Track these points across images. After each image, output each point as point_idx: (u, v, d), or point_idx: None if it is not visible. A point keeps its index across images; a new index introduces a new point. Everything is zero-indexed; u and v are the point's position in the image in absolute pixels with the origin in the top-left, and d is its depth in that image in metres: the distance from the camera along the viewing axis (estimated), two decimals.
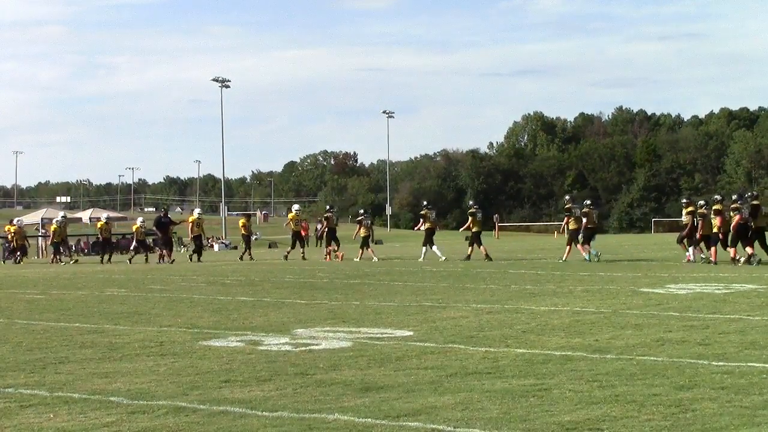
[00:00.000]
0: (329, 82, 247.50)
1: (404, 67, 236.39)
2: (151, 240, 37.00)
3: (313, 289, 16.46)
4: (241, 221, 32.47)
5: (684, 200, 25.69)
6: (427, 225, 27.26)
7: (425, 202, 28.77)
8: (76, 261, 34.03)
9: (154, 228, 32.75)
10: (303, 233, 31.08)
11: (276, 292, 16.12)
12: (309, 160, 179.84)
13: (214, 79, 77.86)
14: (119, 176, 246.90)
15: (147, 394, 6.89)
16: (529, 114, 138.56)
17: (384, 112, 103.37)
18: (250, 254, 30.41)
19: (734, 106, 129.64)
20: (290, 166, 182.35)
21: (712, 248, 22.35)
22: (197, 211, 34.03)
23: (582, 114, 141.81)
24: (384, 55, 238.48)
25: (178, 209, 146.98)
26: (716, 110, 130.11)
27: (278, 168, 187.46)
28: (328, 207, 32.52)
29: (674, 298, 13.37)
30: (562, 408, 6.15)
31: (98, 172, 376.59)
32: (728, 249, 22.04)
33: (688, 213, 23.88)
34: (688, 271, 19.23)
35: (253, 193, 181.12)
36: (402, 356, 8.39)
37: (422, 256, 27.03)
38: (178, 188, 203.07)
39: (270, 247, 55.48)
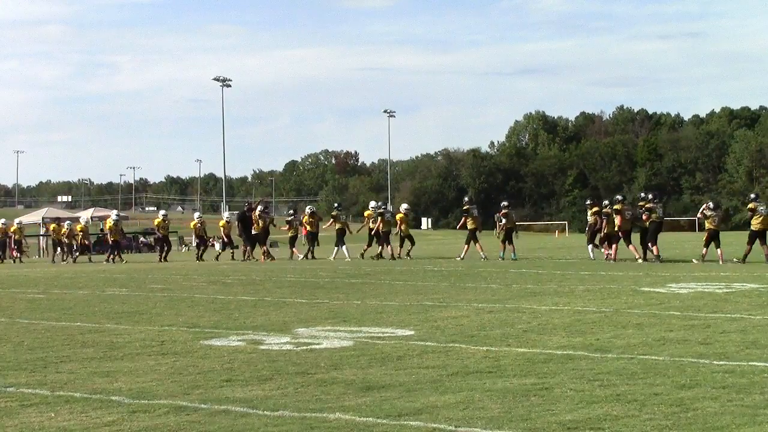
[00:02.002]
0: (330, 81, 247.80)
1: (405, 67, 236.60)
2: (151, 239, 36.82)
3: (314, 289, 16.46)
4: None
5: (588, 201, 26.93)
6: (338, 226, 28.60)
7: (336, 204, 29.98)
8: (124, 260, 32.27)
9: (238, 222, 30.60)
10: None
11: (277, 291, 16.12)
12: (310, 160, 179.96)
13: (215, 79, 77.92)
14: (120, 175, 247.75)
15: (148, 393, 6.89)
16: (530, 113, 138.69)
17: (385, 111, 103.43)
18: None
19: (735, 106, 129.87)
20: (291, 165, 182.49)
21: (614, 246, 23.68)
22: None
23: (583, 113, 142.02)
24: (385, 55, 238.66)
25: (179, 208, 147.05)
26: (717, 109, 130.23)
27: (279, 167, 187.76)
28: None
29: (675, 298, 13.37)
30: (563, 407, 6.15)
31: (99, 172, 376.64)
32: (651, 247, 23.15)
33: (593, 213, 25.28)
34: (689, 271, 19.22)
35: (254, 192, 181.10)
36: (403, 355, 8.39)
37: (333, 255, 28.36)
38: (179, 188, 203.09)
39: (270, 246, 55.41)
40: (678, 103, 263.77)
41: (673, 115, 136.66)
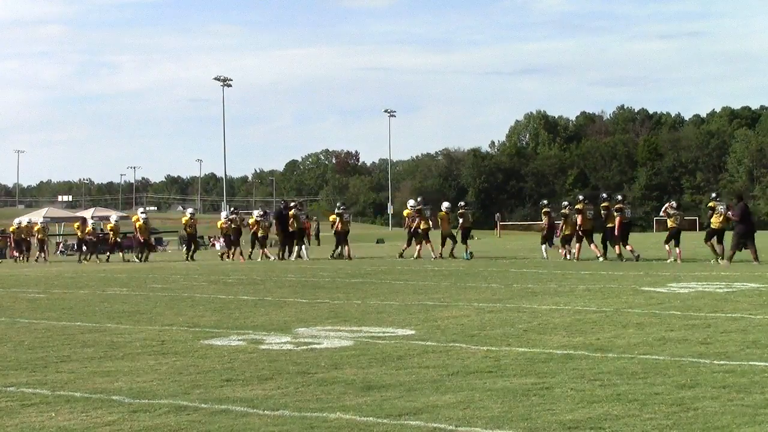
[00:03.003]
0: (331, 81, 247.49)
1: (406, 66, 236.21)
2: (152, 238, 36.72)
3: (314, 288, 16.46)
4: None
5: (543, 201, 27.80)
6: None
7: (291, 204, 30.16)
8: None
9: (275, 220, 29.71)
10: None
11: (277, 291, 16.13)
12: (311, 159, 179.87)
13: (215, 78, 77.98)
14: (121, 175, 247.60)
15: (148, 392, 6.89)
16: (530, 113, 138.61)
17: (385, 110, 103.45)
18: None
19: (736, 105, 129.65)
20: (292, 165, 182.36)
21: (577, 245, 24.30)
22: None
23: (584, 113, 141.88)
24: (386, 54, 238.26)
25: (179, 208, 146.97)
26: (718, 109, 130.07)
27: (280, 167, 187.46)
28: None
29: (676, 297, 13.37)
30: (563, 407, 6.15)
31: (100, 171, 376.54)
32: (615, 246, 23.56)
33: (544, 213, 26.42)
34: (689, 270, 19.22)
35: (255, 192, 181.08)
36: (403, 355, 8.39)
37: (293, 255, 28.64)
38: (179, 187, 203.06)
39: (271, 245, 55.41)
40: (678, 102, 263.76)
41: (673, 115, 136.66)
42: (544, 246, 25.78)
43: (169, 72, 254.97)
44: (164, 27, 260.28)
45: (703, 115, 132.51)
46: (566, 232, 24.72)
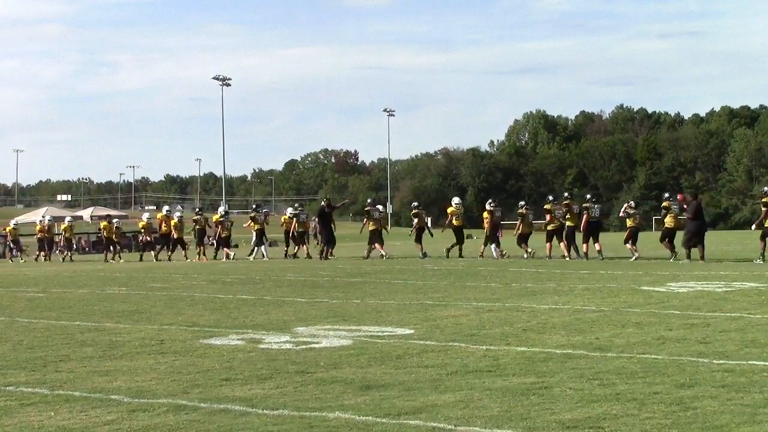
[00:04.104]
0: (330, 80, 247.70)
1: (405, 66, 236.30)
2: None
3: (313, 288, 16.46)
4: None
5: (490, 201, 28.21)
6: (256, 227, 29.33)
7: (254, 205, 30.55)
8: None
9: (316, 219, 29.19)
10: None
11: (276, 290, 16.13)
12: (310, 159, 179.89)
13: (215, 78, 77.95)
14: (120, 174, 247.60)
15: (147, 392, 6.89)
16: (530, 112, 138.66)
17: (385, 110, 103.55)
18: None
19: (735, 104, 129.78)
20: (291, 164, 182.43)
21: (548, 244, 24.87)
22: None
23: (583, 112, 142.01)
24: (385, 54, 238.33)
25: (179, 207, 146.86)
26: (717, 108, 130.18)
27: (279, 166, 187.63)
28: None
29: (675, 297, 13.36)
30: (562, 406, 6.15)
31: (99, 171, 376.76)
32: (583, 244, 24.13)
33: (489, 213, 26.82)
34: (688, 270, 19.22)
35: (254, 191, 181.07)
36: (402, 354, 8.39)
37: (252, 255, 29.67)
38: (178, 186, 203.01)
39: (271, 245, 55.45)
40: (678, 102, 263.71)
41: (672, 114, 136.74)
42: (493, 245, 26.10)
43: (168, 71, 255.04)
44: (164, 26, 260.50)
45: (703, 114, 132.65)
46: (522, 231, 25.48)
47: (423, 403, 6.31)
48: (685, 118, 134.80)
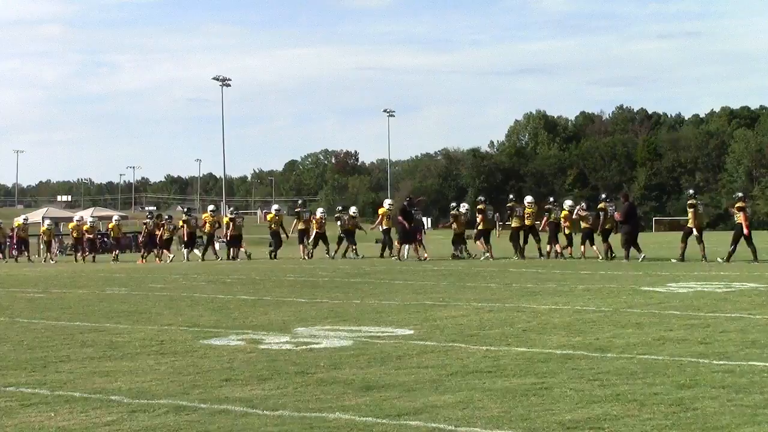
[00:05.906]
0: (330, 80, 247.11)
1: (405, 66, 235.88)
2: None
3: (313, 288, 16.46)
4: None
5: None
6: (233, 233, 29.58)
7: (231, 208, 30.99)
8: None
9: (400, 217, 25.94)
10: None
11: (276, 290, 16.12)
12: (310, 159, 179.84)
13: (215, 78, 77.86)
14: (120, 175, 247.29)
15: (148, 392, 6.89)
16: (530, 113, 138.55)
17: (385, 110, 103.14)
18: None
19: (735, 105, 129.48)
20: (291, 164, 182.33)
21: (485, 244, 25.40)
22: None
23: (583, 113, 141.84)
24: (385, 54, 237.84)
25: (179, 208, 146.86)
26: (717, 109, 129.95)
27: (279, 167, 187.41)
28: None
29: (675, 297, 13.36)
30: (562, 407, 6.15)
31: (99, 171, 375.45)
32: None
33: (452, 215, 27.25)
34: (688, 270, 19.22)
35: (254, 191, 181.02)
36: (403, 355, 8.39)
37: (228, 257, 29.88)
38: (178, 187, 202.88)
39: (270, 246, 55.37)
40: (678, 102, 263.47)
41: (672, 115, 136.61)
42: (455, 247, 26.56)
43: (168, 72, 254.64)
44: (164, 27, 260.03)
45: (703, 115, 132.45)
46: (480, 228, 25.88)
47: (423, 404, 6.31)
48: (686, 118, 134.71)
